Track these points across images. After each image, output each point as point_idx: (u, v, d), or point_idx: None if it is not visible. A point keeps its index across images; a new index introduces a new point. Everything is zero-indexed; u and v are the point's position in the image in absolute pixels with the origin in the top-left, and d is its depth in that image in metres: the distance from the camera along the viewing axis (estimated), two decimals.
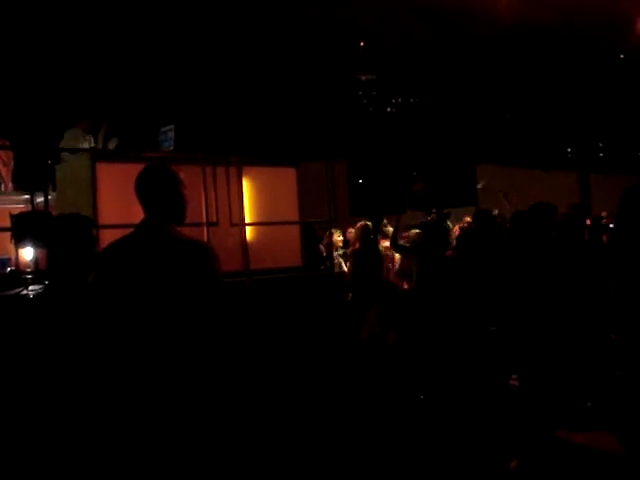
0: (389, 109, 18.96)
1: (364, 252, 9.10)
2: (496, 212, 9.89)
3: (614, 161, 24.76)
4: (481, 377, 6.87)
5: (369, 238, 9.14)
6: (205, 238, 6.21)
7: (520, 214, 7.10)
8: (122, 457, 3.43)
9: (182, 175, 3.77)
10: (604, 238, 8.72)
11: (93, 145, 8.33)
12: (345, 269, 9.83)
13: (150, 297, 3.46)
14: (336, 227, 9.81)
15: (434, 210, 7.84)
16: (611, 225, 9.30)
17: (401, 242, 8.65)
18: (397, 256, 9.56)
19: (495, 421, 6.41)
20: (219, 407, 3.55)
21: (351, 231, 10.55)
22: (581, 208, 7.97)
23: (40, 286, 5.37)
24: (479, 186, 10.86)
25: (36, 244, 5.90)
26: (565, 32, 15.80)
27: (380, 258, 9.25)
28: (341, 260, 9.96)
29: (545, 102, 20.37)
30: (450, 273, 7.53)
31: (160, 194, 3.64)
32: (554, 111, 21.07)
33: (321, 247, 9.14)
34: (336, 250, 9.92)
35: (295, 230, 7.27)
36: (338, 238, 10.19)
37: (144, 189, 3.66)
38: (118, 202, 5.76)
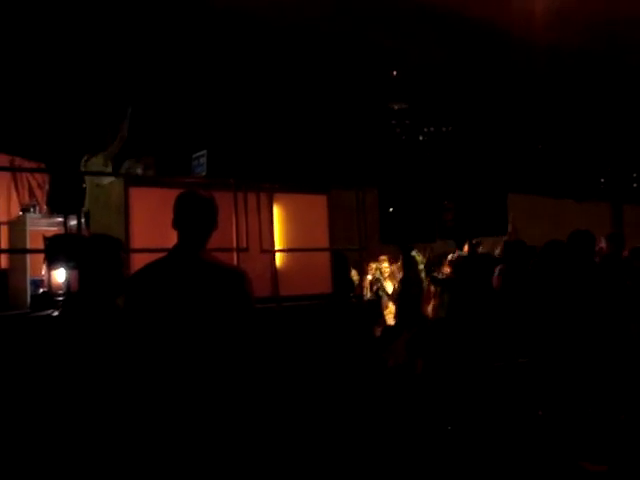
0: (421, 138, 19.00)
1: (405, 281, 9.11)
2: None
3: None
4: (509, 409, 6.80)
5: (410, 268, 9.13)
6: (235, 264, 6.23)
7: (554, 243, 7.02)
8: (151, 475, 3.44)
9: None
10: None
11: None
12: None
13: (184, 321, 3.46)
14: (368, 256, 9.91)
15: (472, 241, 7.80)
16: None
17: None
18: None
19: (523, 453, 6.33)
20: (249, 430, 3.54)
21: (384, 259, 10.58)
22: (617, 238, 7.81)
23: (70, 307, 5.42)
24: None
25: (68, 266, 5.97)
26: (600, 61, 15.74)
27: (419, 288, 9.26)
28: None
29: (579, 131, 20.27)
30: (482, 304, 7.48)
31: (201, 220, 3.64)
32: (587, 140, 20.95)
33: (353, 275, 9.15)
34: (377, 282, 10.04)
35: (325, 257, 7.26)
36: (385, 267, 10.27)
37: (185, 214, 3.65)
38: (150, 226, 5.81)
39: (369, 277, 10.25)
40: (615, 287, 6.72)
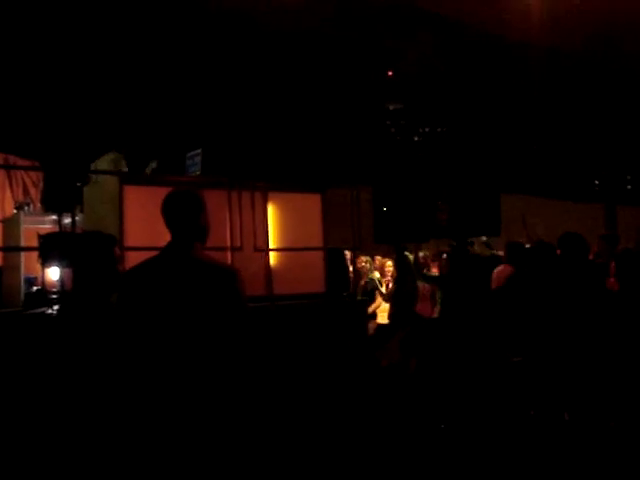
0: (416, 138, 19.03)
1: (400, 280, 9.14)
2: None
3: None
4: (503, 408, 6.82)
5: (404, 268, 9.14)
6: (228, 262, 6.24)
7: (544, 244, 7.04)
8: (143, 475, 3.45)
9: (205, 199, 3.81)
10: None
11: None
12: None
13: (176, 319, 3.47)
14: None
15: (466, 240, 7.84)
16: None
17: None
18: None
19: (517, 452, 6.35)
20: (241, 429, 3.55)
21: (378, 259, 10.62)
22: (612, 239, 7.85)
23: (63, 304, 5.42)
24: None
25: (62, 264, 5.98)
26: (595, 63, 15.79)
27: (414, 288, 9.27)
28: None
29: (573, 133, 20.31)
30: (476, 303, 7.50)
31: (186, 218, 3.67)
32: (581, 142, 21.00)
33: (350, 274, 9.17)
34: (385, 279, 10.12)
35: (319, 256, 7.27)
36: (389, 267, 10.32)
37: (170, 213, 3.69)
38: (145, 225, 5.81)
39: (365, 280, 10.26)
40: (606, 287, 6.75)
